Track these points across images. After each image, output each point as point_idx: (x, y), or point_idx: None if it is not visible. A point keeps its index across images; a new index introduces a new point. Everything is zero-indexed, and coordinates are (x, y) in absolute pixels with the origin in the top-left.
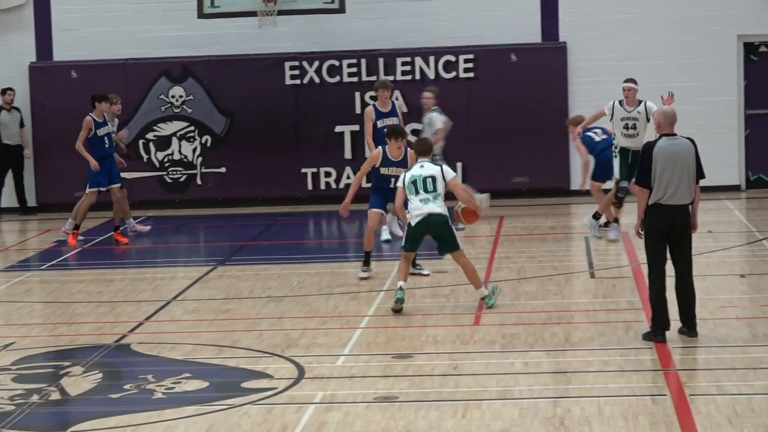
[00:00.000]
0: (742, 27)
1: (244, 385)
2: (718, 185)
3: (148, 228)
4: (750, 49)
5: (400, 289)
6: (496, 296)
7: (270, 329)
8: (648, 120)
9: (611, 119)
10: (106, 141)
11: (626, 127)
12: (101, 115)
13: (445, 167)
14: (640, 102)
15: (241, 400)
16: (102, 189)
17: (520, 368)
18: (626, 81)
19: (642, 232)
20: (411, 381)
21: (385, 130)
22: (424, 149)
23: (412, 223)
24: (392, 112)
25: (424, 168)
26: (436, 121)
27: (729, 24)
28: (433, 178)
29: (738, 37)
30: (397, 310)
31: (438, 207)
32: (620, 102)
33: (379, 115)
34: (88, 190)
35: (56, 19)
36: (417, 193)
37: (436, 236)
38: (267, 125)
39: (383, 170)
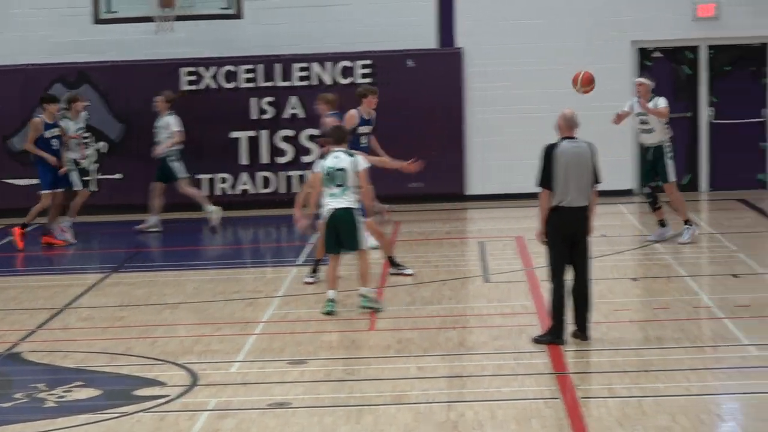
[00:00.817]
0: (636, 33)
1: (137, 392)
2: (611, 189)
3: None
4: (644, 54)
5: (330, 300)
6: (374, 307)
7: (164, 336)
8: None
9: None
10: (54, 143)
11: (642, 122)
12: (52, 117)
13: (359, 157)
14: (652, 97)
15: (133, 408)
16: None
17: (414, 373)
18: (640, 77)
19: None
20: (306, 387)
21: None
22: (340, 137)
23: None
24: (371, 121)
25: (338, 159)
26: (172, 124)
27: (623, 30)
28: (344, 171)
29: (632, 42)
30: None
31: (346, 202)
32: (638, 99)
33: (363, 121)
34: (42, 192)
35: None
36: (329, 187)
37: (340, 232)
38: None
39: None
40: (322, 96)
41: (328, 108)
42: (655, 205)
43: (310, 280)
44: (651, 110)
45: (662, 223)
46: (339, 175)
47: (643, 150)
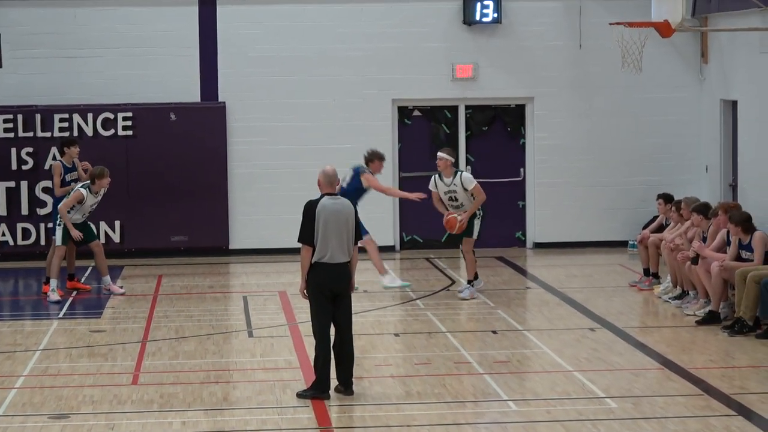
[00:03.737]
0: (396, 91)
1: None
2: None
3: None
4: (404, 113)
5: None
6: None
7: None
8: (465, 190)
9: (439, 194)
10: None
11: (451, 199)
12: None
13: None
14: (456, 173)
15: None
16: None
17: (178, 428)
18: (440, 151)
19: (306, 293)
20: None
21: None
22: None
23: None
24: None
25: None
26: None
27: (384, 88)
28: None
29: (393, 101)
30: None
31: None
32: (439, 175)
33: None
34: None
35: None
36: None
37: None
38: None
39: None
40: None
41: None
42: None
43: None
44: (470, 211)
45: (476, 276)
46: None
47: None
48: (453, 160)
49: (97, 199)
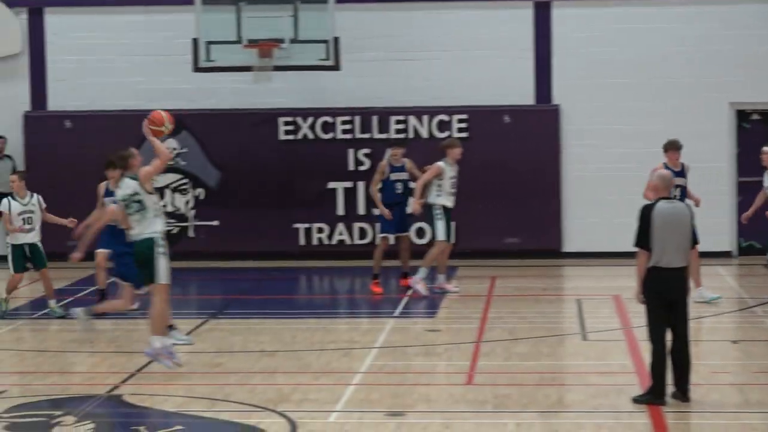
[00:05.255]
0: (734, 94)
1: None
2: (709, 251)
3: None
4: (742, 116)
5: None
6: None
7: (262, 384)
8: None
9: None
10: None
11: None
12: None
13: None
14: None
15: None
16: None
17: (512, 429)
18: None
19: (644, 297)
20: None
21: None
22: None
23: None
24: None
25: None
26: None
27: (721, 91)
28: None
29: (730, 104)
30: None
31: None
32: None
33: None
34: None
35: (51, 69)
36: None
37: None
38: (260, 179)
39: None
40: None
41: None
42: None
43: None
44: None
45: None
46: None
47: None
48: None
49: (454, 174)
